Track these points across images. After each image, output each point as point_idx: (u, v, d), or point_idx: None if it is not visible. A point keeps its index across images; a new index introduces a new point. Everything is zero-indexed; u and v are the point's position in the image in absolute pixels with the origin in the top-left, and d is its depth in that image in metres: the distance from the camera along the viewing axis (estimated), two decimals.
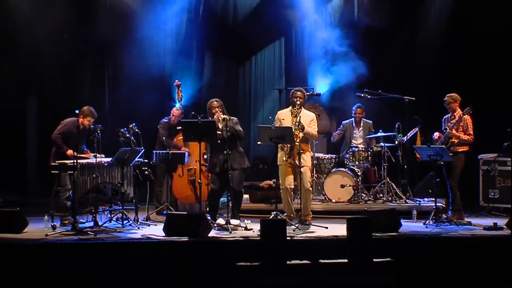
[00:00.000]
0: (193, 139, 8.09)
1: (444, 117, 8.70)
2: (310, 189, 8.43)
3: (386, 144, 9.83)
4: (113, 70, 11.28)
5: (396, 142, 9.71)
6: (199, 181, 7.94)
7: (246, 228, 7.85)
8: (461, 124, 8.43)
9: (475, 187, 9.81)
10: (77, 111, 8.17)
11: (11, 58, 10.51)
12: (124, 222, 8.07)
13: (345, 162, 9.96)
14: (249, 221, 8.01)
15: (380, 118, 10.44)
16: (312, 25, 11.69)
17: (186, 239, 7.14)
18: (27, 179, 10.63)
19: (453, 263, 7.03)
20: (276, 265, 6.30)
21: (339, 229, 7.64)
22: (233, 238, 7.33)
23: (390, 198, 9.62)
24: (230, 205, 8.06)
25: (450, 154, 8.28)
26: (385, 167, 9.71)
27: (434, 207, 8.29)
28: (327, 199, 9.66)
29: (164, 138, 9.35)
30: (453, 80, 10.40)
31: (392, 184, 9.71)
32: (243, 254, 6.74)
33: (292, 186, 8.24)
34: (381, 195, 9.75)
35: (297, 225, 7.90)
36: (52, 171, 7.99)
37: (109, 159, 8.18)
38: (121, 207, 8.19)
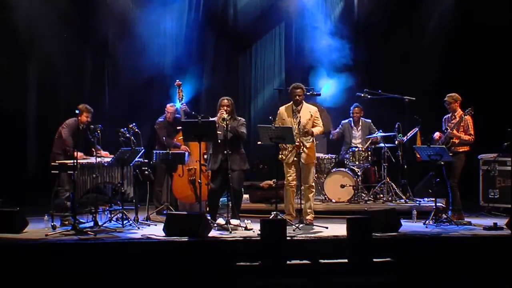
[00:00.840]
0: (193, 139, 8.09)
1: (445, 117, 8.70)
2: (313, 184, 8.44)
3: (386, 144, 9.83)
4: (113, 70, 11.27)
5: (396, 142, 9.71)
6: (199, 181, 7.94)
7: (246, 228, 7.85)
8: (461, 124, 8.43)
9: (475, 187, 9.81)
10: (77, 111, 8.18)
11: (11, 58, 10.50)
12: (124, 222, 8.07)
13: (345, 162, 9.96)
14: (249, 221, 8.01)
15: (380, 118, 10.44)
16: (312, 24, 11.69)
17: (186, 239, 7.14)
18: (27, 179, 10.62)
19: (453, 263, 7.03)
20: (276, 265, 6.30)
21: (339, 229, 7.64)
22: (233, 238, 7.33)
23: (390, 198, 9.62)
24: (230, 205, 8.06)
25: (451, 154, 8.28)
26: (385, 167, 9.71)
27: (434, 207, 8.29)
28: (327, 199, 9.66)
29: (164, 138, 9.36)
30: (453, 80, 10.40)
31: (392, 184, 9.71)
32: (243, 254, 6.74)
33: (294, 188, 8.24)
34: (381, 195, 9.75)
35: (297, 225, 7.90)
36: (52, 171, 7.99)
37: (109, 159, 8.18)
38: (121, 207, 8.19)
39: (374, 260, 6.42)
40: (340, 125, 10.41)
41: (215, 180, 8.09)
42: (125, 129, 8.35)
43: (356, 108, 10.26)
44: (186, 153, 8.93)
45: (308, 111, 8.32)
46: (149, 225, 8.24)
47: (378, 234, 7.23)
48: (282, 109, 8.45)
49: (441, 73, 10.98)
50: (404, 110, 9.84)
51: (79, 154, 8.09)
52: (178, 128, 9.17)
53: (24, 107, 10.80)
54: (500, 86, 10.62)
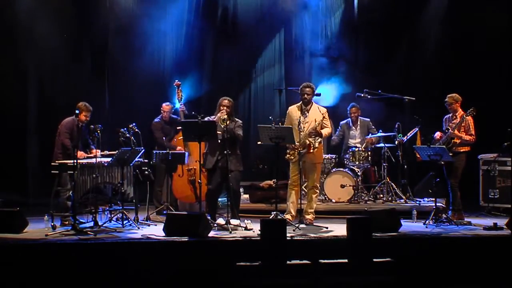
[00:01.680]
0: (193, 139, 8.09)
1: (445, 117, 8.70)
2: (318, 185, 8.44)
3: (386, 144, 9.83)
4: (113, 70, 11.27)
5: (396, 142, 9.71)
6: (199, 181, 7.94)
7: (246, 228, 7.85)
8: (462, 124, 8.43)
9: (475, 187, 9.81)
10: (77, 111, 8.17)
11: (11, 58, 10.50)
12: (124, 222, 8.07)
13: (345, 162, 9.96)
14: (249, 221, 8.01)
15: (380, 118, 10.44)
16: (312, 25, 11.70)
17: (186, 239, 7.14)
18: (27, 179, 10.62)
19: (453, 263, 7.03)
20: (276, 265, 6.30)
21: (339, 229, 7.65)
22: (233, 238, 7.33)
23: (390, 198, 9.62)
24: (230, 205, 8.06)
25: (451, 154, 8.28)
26: (385, 167, 9.71)
27: (434, 207, 8.29)
28: (327, 199, 9.66)
29: (164, 138, 9.37)
30: (453, 80, 10.40)
31: (392, 184, 9.71)
32: (243, 254, 6.73)
33: (298, 188, 8.25)
34: (381, 195, 9.75)
35: (297, 225, 7.90)
36: (52, 171, 7.99)
37: (109, 159, 8.18)
38: (121, 207, 8.19)
39: (374, 260, 6.42)
40: (339, 128, 10.40)
41: (212, 179, 8.10)
42: (125, 129, 8.36)
43: (353, 108, 10.26)
44: (186, 153, 8.92)
45: (317, 111, 8.32)
46: (149, 225, 8.24)
47: (378, 234, 7.23)
48: (291, 108, 8.46)
49: (441, 73, 10.98)
50: (404, 110, 9.84)
51: (80, 153, 8.09)
52: (178, 128, 9.17)
53: (24, 107, 10.80)
54: (500, 86, 10.61)
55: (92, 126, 8.20)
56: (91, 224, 7.96)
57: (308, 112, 8.29)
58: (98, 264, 6.78)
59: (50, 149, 8.48)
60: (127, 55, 11.05)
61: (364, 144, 9.93)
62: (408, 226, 8.03)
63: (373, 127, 10.16)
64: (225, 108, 8.09)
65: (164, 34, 11.40)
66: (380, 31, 11.32)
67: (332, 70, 11.12)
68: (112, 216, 8.27)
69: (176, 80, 9.56)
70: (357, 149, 9.84)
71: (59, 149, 8.34)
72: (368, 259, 6.40)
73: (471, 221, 8.39)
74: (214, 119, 8.01)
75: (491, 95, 10.42)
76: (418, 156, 8.51)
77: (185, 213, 8.39)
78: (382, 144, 9.86)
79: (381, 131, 9.92)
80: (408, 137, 9.67)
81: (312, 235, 7.51)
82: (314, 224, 8.17)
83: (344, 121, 10.38)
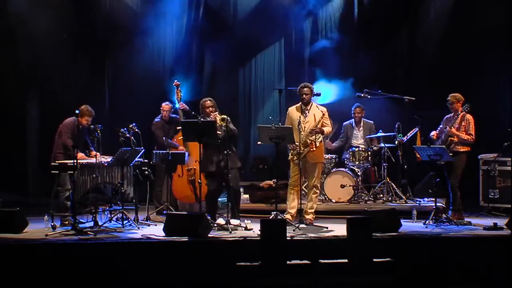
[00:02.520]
0: (193, 139, 8.08)
1: (446, 116, 8.67)
2: (318, 185, 8.44)
3: (386, 144, 9.83)
4: (113, 70, 11.27)
5: (396, 142, 9.71)
6: (199, 181, 7.93)
7: (246, 228, 7.85)
8: (462, 123, 8.42)
9: (475, 187, 9.81)
10: (77, 111, 8.16)
11: (11, 58, 10.50)
12: (124, 222, 8.07)
13: (345, 162, 9.96)
14: (249, 221, 8.01)
15: (380, 118, 10.44)
16: (312, 24, 11.70)
17: (186, 239, 7.14)
18: (27, 179, 10.62)
19: (453, 263, 7.03)
20: (276, 265, 6.29)
21: (339, 229, 7.65)
22: (233, 238, 7.33)
23: (390, 198, 9.62)
24: (230, 205, 8.06)
25: (451, 154, 8.28)
26: (385, 167, 9.71)
27: (434, 207, 8.29)
28: (327, 199, 9.66)
29: (164, 138, 9.37)
30: (453, 80, 10.39)
31: (392, 184, 9.71)
32: (243, 254, 6.73)
33: (298, 188, 8.25)
34: (381, 195, 9.75)
35: (297, 225, 7.90)
36: (52, 171, 7.98)
37: (109, 159, 8.18)
38: (121, 207, 8.18)
39: (374, 260, 6.42)
40: (342, 130, 10.39)
41: (213, 181, 8.09)
42: (125, 129, 8.36)
43: (358, 108, 10.26)
44: (186, 153, 8.92)
45: (317, 110, 8.34)
46: (149, 225, 8.24)
47: (378, 234, 7.23)
48: (291, 109, 8.47)
49: (441, 73, 10.98)
50: (404, 110, 9.84)
51: (80, 154, 8.09)
52: (178, 128, 9.17)
53: (24, 106, 10.80)
54: (500, 86, 10.61)
55: (92, 126, 8.20)
56: (91, 224, 7.96)
57: (308, 112, 8.31)
58: (98, 264, 6.78)
59: (50, 149, 8.47)
60: (127, 55, 11.05)
61: (370, 144, 9.94)
62: (408, 226, 8.03)
63: (374, 130, 10.16)
64: (210, 108, 8.09)
65: (164, 33, 11.41)
66: (380, 30, 11.32)
67: (332, 70, 11.10)
68: (112, 216, 8.26)
69: (176, 80, 9.56)
70: (357, 149, 9.84)
71: (59, 149, 8.33)
72: (368, 259, 6.40)
73: (471, 221, 8.38)
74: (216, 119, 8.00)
75: (491, 95, 10.42)
76: (418, 156, 8.50)
77: (185, 213, 8.39)
78: (382, 144, 9.86)
79: (381, 131, 9.93)
80: (408, 137, 9.67)
81: (312, 235, 7.51)
82: (314, 224, 8.17)
83: (347, 122, 10.38)
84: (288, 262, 6.34)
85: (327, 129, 8.35)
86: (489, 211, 9.42)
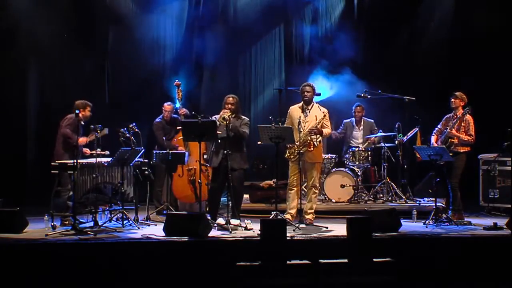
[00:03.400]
0: (193, 139, 8.08)
1: (446, 116, 8.67)
2: (317, 185, 8.43)
3: (386, 144, 9.83)
4: (113, 70, 11.27)
5: (396, 142, 9.71)
6: (199, 181, 7.93)
7: (246, 228, 7.85)
8: (462, 124, 8.42)
9: (475, 187, 9.81)
10: (77, 111, 8.15)
11: (11, 58, 10.50)
12: (124, 222, 8.07)
13: (345, 162, 9.96)
14: (249, 221, 8.01)
15: (380, 118, 10.45)
16: (312, 25, 11.70)
17: (186, 239, 7.14)
18: (27, 179, 10.62)
19: (453, 263, 7.03)
20: (276, 265, 6.30)
21: (339, 229, 7.65)
22: (233, 238, 7.33)
23: (390, 198, 9.62)
24: (230, 205, 8.06)
25: (451, 154, 8.28)
26: (385, 167, 9.72)
27: (434, 207, 8.29)
28: (327, 199, 9.66)
29: (164, 138, 9.37)
30: (453, 80, 10.39)
31: (392, 184, 9.71)
32: (243, 254, 6.73)
33: (298, 188, 8.25)
34: (381, 195, 9.76)
35: (297, 225, 7.90)
36: (52, 171, 7.98)
37: (109, 159, 8.18)
38: (121, 207, 8.18)
39: (374, 260, 6.42)
40: (342, 125, 10.41)
41: (216, 178, 8.09)
42: (125, 129, 8.36)
43: (358, 107, 10.27)
44: (186, 153, 8.92)
45: (318, 110, 8.34)
46: (149, 225, 8.24)
47: (378, 234, 7.23)
48: (292, 108, 8.48)
49: (441, 73, 10.98)
50: (404, 110, 9.84)
51: (81, 139, 8.09)
52: (178, 128, 9.17)
53: (24, 106, 10.80)
54: (500, 86, 10.61)
55: (92, 126, 8.20)
56: (91, 224, 7.96)
57: (309, 112, 8.31)
58: (98, 264, 6.78)
59: (50, 149, 8.47)
60: (127, 54, 11.05)
61: (366, 144, 9.93)
62: (408, 226, 8.03)
63: (375, 128, 10.16)
64: (229, 105, 8.10)
65: (164, 33, 11.41)
66: (380, 30, 11.32)
67: (332, 69, 11.10)
68: (112, 216, 8.26)
69: (176, 80, 9.56)
70: (357, 149, 9.84)
71: (60, 149, 8.29)
72: (368, 259, 6.40)
73: (471, 221, 8.38)
74: (217, 118, 8.01)
75: (491, 95, 10.42)
76: (418, 156, 8.51)
77: (185, 213, 8.38)
78: (382, 144, 9.85)
79: (381, 131, 9.93)
80: (408, 137, 9.67)
81: (312, 235, 7.51)
82: (314, 224, 8.17)
83: (348, 120, 10.38)
84: (288, 262, 6.35)
85: (326, 130, 8.33)
86: (489, 211, 9.42)
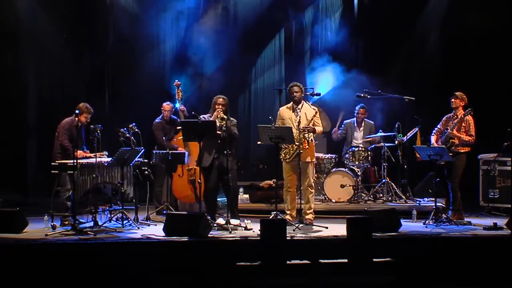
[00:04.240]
0: (193, 139, 8.09)
1: (446, 116, 8.66)
2: (313, 185, 8.43)
3: (386, 144, 9.83)
4: (113, 70, 11.28)
5: (396, 142, 9.71)
6: (199, 181, 7.93)
7: (246, 228, 7.85)
8: (463, 124, 8.42)
9: (475, 187, 9.81)
10: (77, 111, 8.16)
11: (11, 58, 10.50)
12: (124, 222, 8.07)
13: (345, 162, 9.96)
14: (249, 221, 8.01)
15: (380, 118, 10.45)
16: (312, 25, 11.71)
17: (186, 239, 7.14)
18: (27, 179, 10.63)
19: (453, 263, 7.03)
20: (276, 265, 6.30)
21: (339, 229, 7.64)
22: (233, 238, 7.33)
23: (390, 198, 9.62)
24: (229, 205, 8.07)
25: (451, 154, 8.28)
26: (385, 167, 9.71)
27: (434, 207, 8.29)
28: (327, 199, 9.66)
29: (164, 138, 9.37)
30: (453, 80, 10.39)
31: (392, 184, 9.71)
32: (243, 254, 6.73)
33: (294, 188, 8.24)
34: (381, 195, 9.76)
35: (297, 225, 7.90)
36: (52, 171, 7.98)
37: (109, 159, 8.18)
38: (121, 207, 8.18)
39: (374, 260, 6.42)
40: (343, 125, 10.41)
41: (209, 178, 8.08)
42: (125, 129, 8.36)
43: (361, 109, 10.26)
44: (186, 153, 8.92)
45: (309, 109, 8.32)
46: (149, 225, 8.24)
47: (378, 234, 7.23)
48: (282, 109, 8.46)
49: (441, 73, 10.99)
50: (404, 110, 9.83)
51: (79, 152, 8.09)
52: (178, 128, 9.18)
53: (24, 106, 10.81)
54: (500, 86, 10.62)
55: (92, 126, 8.20)
56: (91, 224, 7.96)
57: (299, 111, 8.28)
58: (98, 264, 6.78)
59: (50, 149, 8.47)
60: (127, 54, 11.05)
61: (367, 143, 9.94)
62: (408, 226, 8.03)
63: (374, 131, 10.17)
64: (220, 106, 8.10)
65: (164, 34, 11.41)
66: (380, 30, 11.32)
67: (332, 69, 11.10)
68: (112, 216, 8.26)
69: (176, 80, 9.56)
70: (357, 149, 9.84)
71: (58, 149, 8.33)
72: (368, 259, 6.40)
73: (471, 221, 8.38)
74: (211, 118, 8.01)
75: (491, 95, 10.42)
76: (418, 156, 8.51)
77: (185, 213, 8.38)
78: (382, 144, 9.86)
79: (381, 131, 9.93)
80: (408, 137, 9.67)
81: (312, 235, 7.51)
82: (314, 224, 8.16)
83: (349, 120, 10.38)
84: (288, 262, 6.35)
85: (319, 128, 8.31)
86: (489, 211, 9.42)
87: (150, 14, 11.13)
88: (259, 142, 8.27)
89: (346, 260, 6.40)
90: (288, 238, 6.72)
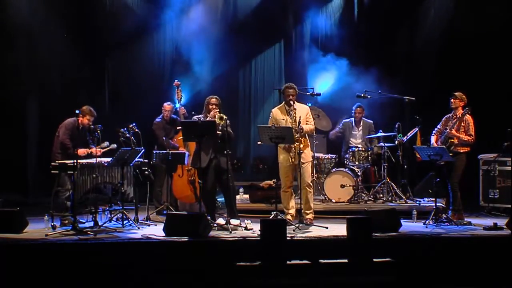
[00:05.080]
0: (193, 139, 8.09)
1: (446, 116, 8.67)
2: (311, 184, 8.42)
3: (386, 144, 9.83)
4: (113, 70, 11.28)
5: (396, 142, 9.70)
6: (199, 181, 7.93)
7: (246, 228, 7.85)
8: (462, 124, 8.42)
9: (475, 187, 9.81)
10: (77, 111, 8.16)
11: (11, 59, 10.51)
12: (124, 222, 8.07)
13: (345, 162, 9.96)
14: (249, 221, 8.01)
15: (380, 118, 10.45)
16: (312, 25, 11.71)
17: (186, 239, 7.14)
18: (27, 179, 10.63)
19: (453, 263, 7.03)
20: (276, 265, 6.30)
21: (339, 229, 7.64)
22: (233, 238, 7.33)
23: (390, 198, 9.61)
24: (229, 205, 8.07)
25: (451, 154, 8.28)
26: (385, 167, 9.71)
27: (434, 207, 8.29)
28: (327, 199, 9.65)
29: (164, 138, 9.37)
30: (453, 80, 10.39)
31: (392, 184, 9.70)
32: (243, 254, 6.73)
33: (291, 189, 8.24)
34: (381, 195, 9.75)
35: (297, 225, 7.90)
36: (52, 171, 7.99)
37: (109, 159, 8.18)
38: (121, 207, 8.18)
39: (374, 260, 6.42)
40: (340, 125, 10.41)
41: (207, 179, 8.07)
42: (125, 129, 8.37)
43: (358, 108, 10.27)
44: (186, 153, 8.93)
45: (301, 109, 8.32)
46: (149, 225, 8.24)
47: (378, 234, 7.23)
48: (274, 110, 8.43)
49: (441, 73, 10.98)
50: (404, 110, 9.84)
51: (81, 150, 8.10)
52: (178, 128, 9.18)
53: (24, 107, 10.81)
54: (500, 86, 10.62)
55: (92, 126, 8.21)
56: (91, 224, 7.97)
57: (292, 112, 8.24)
58: (98, 264, 6.78)
59: (50, 149, 8.48)
60: (127, 54, 11.06)
61: (370, 142, 9.96)
62: (408, 226, 8.03)
63: (373, 130, 10.17)
64: (213, 106, 8.10)
65: (164, 34, 11.41)
66: (380, 30, 11.33)
67: (332, 69, 11.11)
68: (112, 216, 8.26)
69: (176, 80, 9.56)
70: (357, 149, 9.84)
71: (58, 149, 8.34)
72: (368, 259, 6.41)
73: (471, 221, 8.38)
74: (208, 118, 8.01)
75: (491, 95, 10.42)
76: (418, 156, 8.50)
77: (185, 213, 8.39)
78: (382, 144, 9.86)
79: (381, 131, 9.93)
80: (408, 137, 9.67)
81: (312, 235, 7.51)
82: (314, 224, 8.16)
83: (347, 120, 10.38)
84: (288, 262, 6.35)
85: (308, 127, 8.25)
86: (489, 211, 9.42)
87: (150, 14, 11.13)
88: (259, 142, 8.26)
89: (346, 260, 6.40)
90: (288, 238, 6.72)
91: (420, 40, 11.44)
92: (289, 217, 8.22)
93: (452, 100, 8.52)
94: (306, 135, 8.31)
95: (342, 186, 9.62)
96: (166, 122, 9.51)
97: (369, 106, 10.43)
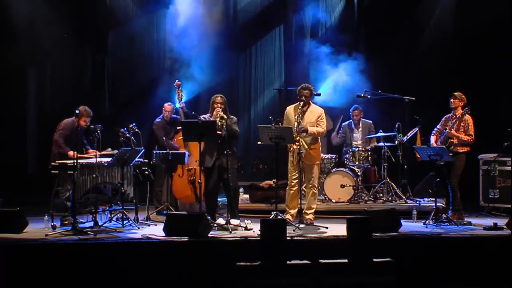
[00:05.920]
0: (193, 139, 8.09)
1: (445, 116, 8.67)
2: (316, 185, 8.42)
3: (386, 144, 9.83)
4: (113, 70, 11.28)
5: (396, 142, 9.71)
6: (199, 181, 7.93)
7: (246, 228, 7.85)
8: (462, 124, 8.42)
9: (475, 187, 9.81)
10: (77, 111, 8.16)
11: (11, 59, 10.50)
12: (124, 222, 8.07)
13: (345, 162, 9.97)
14: (249, 221, 8.01)
15: (380, 118, 10.45)
16: (312, 25, 11.70)
17: (186, 239, 7.14)
18: (27, 179, 10.62)
19: (453, 263, 7.03)
20: (276, 265, 6.29)
21: (339, 229, 7.64)
22: (233, 238, 7.33)
23: (390, 198, 9.62)
24: (230, 205, 8.07)
25: (451, 154, 8.28)
26: (385, 167, 9.71)
27: (434, 207, 8.29)
28: (327, 199, 9.66)
29: (164, 138, 9.37)
30: (453, 80, 10.39)
31: (392, 184, 9.71)
32: (243, 254, 6.73)
33: (296, 187, 8.23)
34: (381, 195, 9.75)
35: (297, 225, 7.90)
36: (52, 171, 7.99)
37: (109, 159, 8.18)
38: (121, 207, 8.18)
39: (374, 260, 6.42)
40: (341, 130, 10.41)
41: (210, 178, 8.08)
42: (125, 129, 8.37)
43: (356, 111, 10.27)
44: (186, 153, 8.93)
45: (314, 112, 8.31)
46: (149, 225, 8.24)
47: (378, 234, 7.23)
48: (289, 108, 8.45)
49: (441, 73, 10.99)
50: (404, 110, 9.84)
51: (70, 152, 8.09)
52: (178, 128, 9.18)
53: (24, 107, 10.81)
54: (500, 86, 10.62)
55: (92, 126, 8.20)
56: (91, 224, 7.97)
57: (305, 113, 8.26)
58: (98, 264, 6.78)
59: (49, 149, 8.48)
60: (127, 54, 11.05)
61: (370, 142, 9.95)
62: (408, 226, 8.03)
63: (373, 130, 10.17)
64: (218, 105, 8.10)
65: (164, 34, 11.41)
66: (380, 29, 11.32)
67: (332, 69, 11.10)
68: (112, 216, 8.27)
69: (176, 80, 9.57)
70: (357, 149, 9.84)
71: (56, 148, 8.33)
72: (368, 259, 6.40)
73: (471, 221, 8.38)
74: (211, 118, 8.01)
75: (491, 95, 10.42)
76: (418, 156, 8.51)
77: (185, 213, 8.38)
78: (382, 144, 9.86)
79: (381, 131, 9.93)
80: (408, 137, 9.67)
81: (312, 235, 7.51)
82: (314, 224, 8.17)
83: (346, 123, 10.39)
84: (288, 262, 6.34)
85: (314, 128, 8.22)
86: (489, 211, 9.42)
87: (150, 14, 11.12)
88: (259, 142, 8.26)
89: (346, 260, 6.39)
90: (288, 238, 6.71)
91: (420, 40, 11.43)
92: (289, 216, 8.22)
93: (451, 100, 8.52)
94: (319, 137, 8.30)
95: (342, 186, 9.62)
96: (166, 122, 9.51)
97: (369, 106, 10.43)
